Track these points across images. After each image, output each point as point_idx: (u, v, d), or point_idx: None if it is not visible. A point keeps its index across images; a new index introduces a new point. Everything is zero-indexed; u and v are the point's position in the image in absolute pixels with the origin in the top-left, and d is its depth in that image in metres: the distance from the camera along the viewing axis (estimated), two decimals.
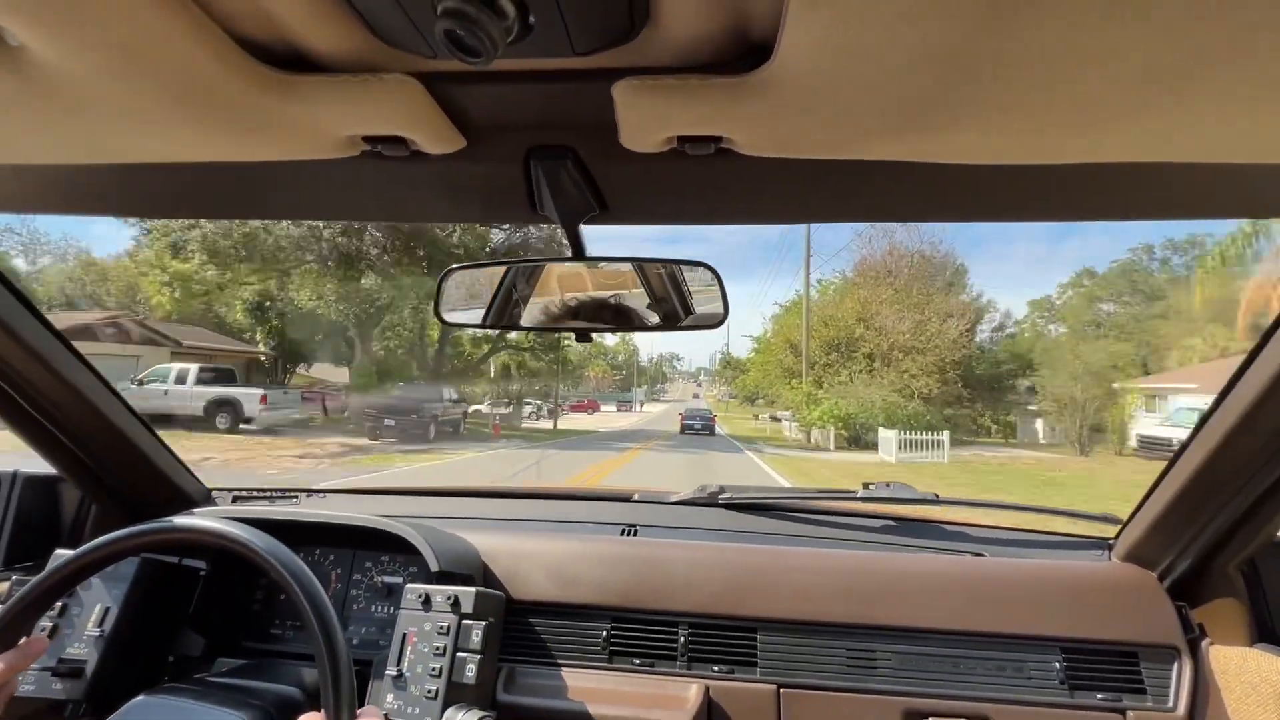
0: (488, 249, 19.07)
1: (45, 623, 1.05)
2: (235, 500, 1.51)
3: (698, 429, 24.43)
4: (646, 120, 0.54)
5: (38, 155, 0.63)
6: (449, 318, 0.91)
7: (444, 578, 1.06)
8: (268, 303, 19.44)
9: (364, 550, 1.24)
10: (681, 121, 0.54)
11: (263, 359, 20.85)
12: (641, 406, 61.69)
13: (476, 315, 0.91)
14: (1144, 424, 18.84)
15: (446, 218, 0.80)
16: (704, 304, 0.84)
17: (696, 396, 78.64)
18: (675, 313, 0.84)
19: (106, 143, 0.59)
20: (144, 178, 0.71)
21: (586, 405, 48.39)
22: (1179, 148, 0.52)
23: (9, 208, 0.82)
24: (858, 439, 20.32)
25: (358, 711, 0.66)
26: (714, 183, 0.68)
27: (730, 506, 1.43)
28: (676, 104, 0.51)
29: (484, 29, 0.39)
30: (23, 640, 0.74)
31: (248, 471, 10.41)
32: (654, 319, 0.85)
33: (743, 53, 0.48)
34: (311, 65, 0.50)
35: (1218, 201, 0.68)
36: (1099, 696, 1.00)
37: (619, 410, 52.24)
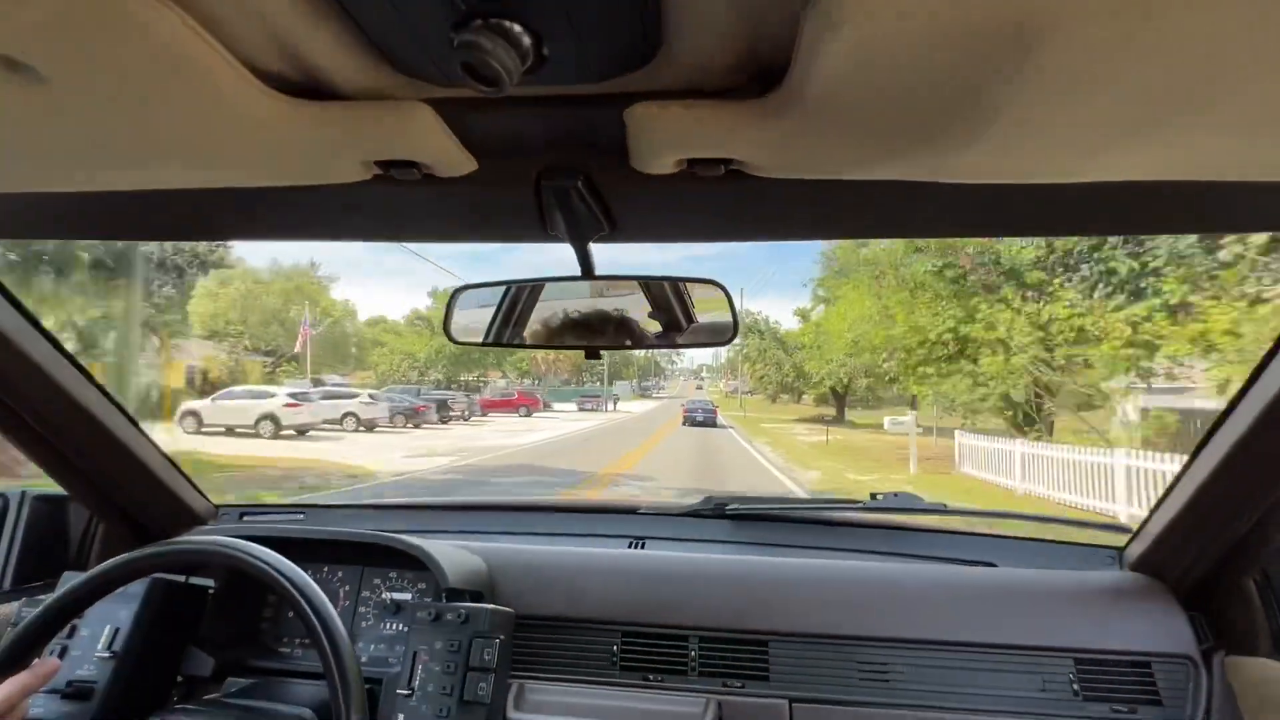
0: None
1: (54, 644, 1.05)
2: (243, 517, 1.50)
3: (700, 420, 25.66)
4: (657, 143, 0.55)
5: (58, 183, 0.64)
6: (458, 336, 0.92)
7: (454, 594, 1.06)
8: None
9: (372, 567, 1.24)
10: (692, 144, 0.55)
11: None
12: (616, 405, 41.48)
13: (487, 333, 0.91)
14: None
15: (457, 238, 0.81)
16: (714, 320, 0.84)
17: (699, 389, 79.00)
18: (685, 331, 0.85)
19: (125, 170, 0.60)
20: (161, 203, 0.72)
21: (518, 401, 30.71)
22: (1192, 167, 0.53)
23: (31, 233, 0.83)
24: None
25: None
26: (723, 202, 0.68)
27: (738, 517, 1.43)
28: (688, 128, 0.52)
29: (500, 60, 0.39)
30: (35, 661, 0.73)
31: None
32: (664, 337, 0.85)
33: (755, 77, 0.48)
34: (326, 93, 0.51)
35: (1228, 217, 0.68)
36: (1113, 708, 0.99)
37: (580, 409, 35.92)
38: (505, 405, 30.00)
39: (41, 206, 0.73)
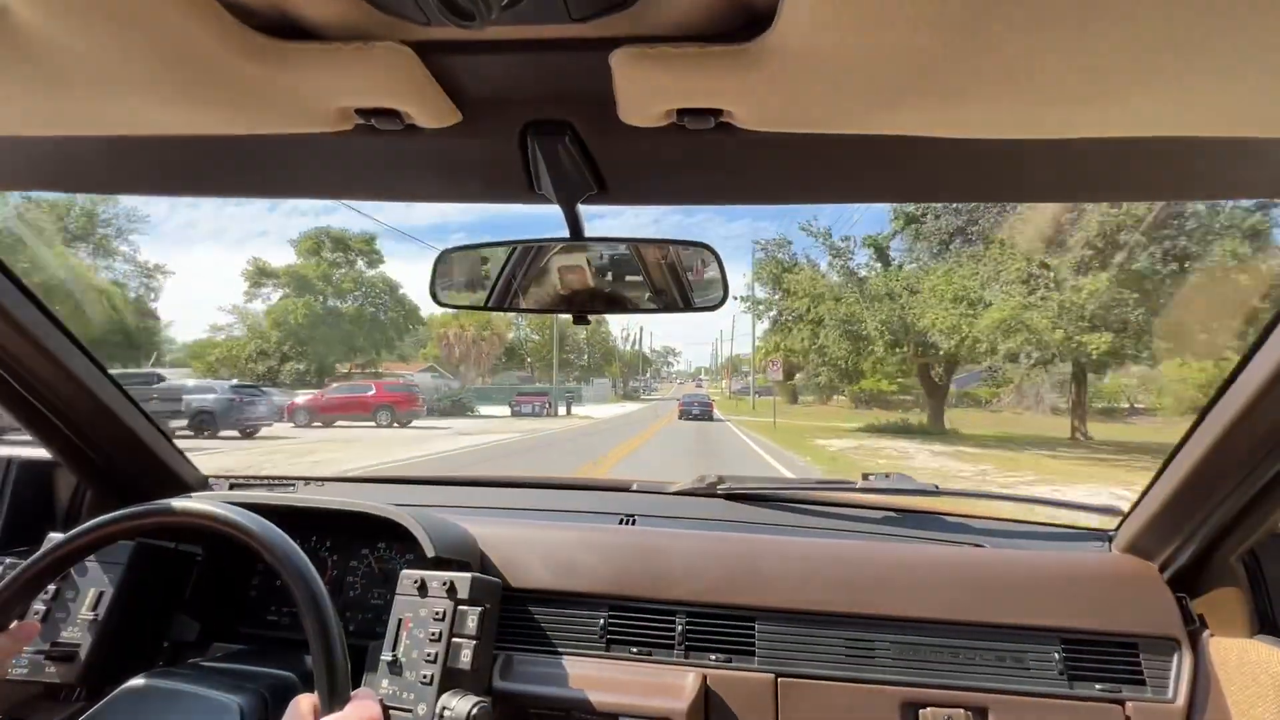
0: None
1: (39, 606, 1.05)
2: (232, 487, 1.50)
3: (695, 414, 25.78)
4: (645, 92, 0.53)
5: (21, 126, 0.62)
6: (444, 299, 0.91)
7: (440, 564, 1.06)
8: None
9: (361, 538, 1.24)
10: (680, 93, 0.53)
11: None
12: (570, 408, 30.12)
13: (473, 297, 0.90)
14: None
15: (442, 197, 0.79)
16: (704, 286, 0.83)
17: (699, 386, 79.80)
18: (675, 295, 0.83)
19: (91, 113, 0.58)
20: (132, 153, 0.70)
21: (374, 400, 19.61)
22: (1196, 120, 0.51)
23: None
24: None
25: (352, 693, 0.66)
26: (714, 160, 0.67)
27: (730, 497, 1.43)
28: (675, 74, 0.50)
29: None
30: (13, 624, 0.73)
31: None
32: (654, 302, 0.84)
33: (744, 19, 0.46)
34: (302, 32, 0.49)
35: (1245, 180, 0.66)
36: (1098, 687, 0.99)
37: (516, 413, 26.29)
38: (350, 408, 19.15)
39: (4, 153, 0.71)
